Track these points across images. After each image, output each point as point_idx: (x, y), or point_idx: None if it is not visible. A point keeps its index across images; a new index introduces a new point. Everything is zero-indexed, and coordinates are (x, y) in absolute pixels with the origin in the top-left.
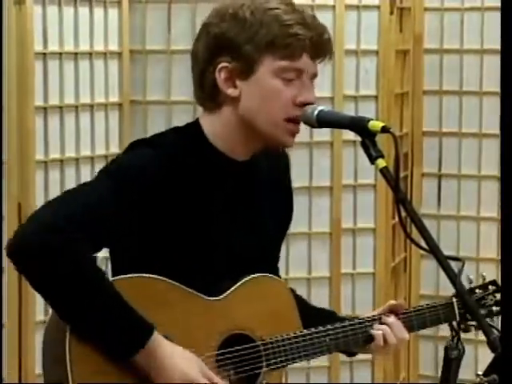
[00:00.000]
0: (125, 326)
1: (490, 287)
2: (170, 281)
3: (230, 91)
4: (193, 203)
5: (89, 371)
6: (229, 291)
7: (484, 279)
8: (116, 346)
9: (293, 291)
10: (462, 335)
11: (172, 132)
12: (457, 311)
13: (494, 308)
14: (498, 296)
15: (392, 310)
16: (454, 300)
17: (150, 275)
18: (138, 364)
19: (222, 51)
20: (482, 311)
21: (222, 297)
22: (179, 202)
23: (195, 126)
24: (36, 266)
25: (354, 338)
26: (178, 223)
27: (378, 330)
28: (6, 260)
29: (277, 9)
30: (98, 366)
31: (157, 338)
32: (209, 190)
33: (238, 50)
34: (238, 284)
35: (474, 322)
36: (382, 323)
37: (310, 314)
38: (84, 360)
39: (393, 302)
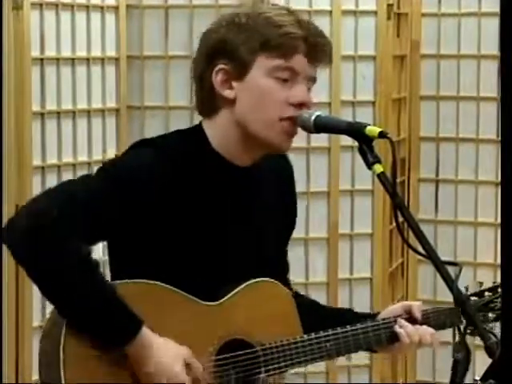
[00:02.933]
0: (115, 317)
1: (499, 290)
2: (168, 286)
3: (227, 93)
4: (192, 207)
5: (82, 376)
6: (227, 296)
7: (494, 282)
8: (108, 337)
9: (304, 296)
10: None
11: (175, 134)
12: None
13: None
14: None
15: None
16: None
17: (148, 281)
18: (129, 358)
19: (219, 54)
20: (491, 315)
21: (220, 302)
22: (178, 205)
23: (198, 130)
24: (25, 250)
25: (355, 343)
26: (176, 226)
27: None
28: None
29: (270, 12)
30: (92, 371)
31: (146, 331)
32: (208, 195)
33: (233, 52)
34: (237, 289)
35: None
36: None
37: (328, 317)
38: (77, 365)
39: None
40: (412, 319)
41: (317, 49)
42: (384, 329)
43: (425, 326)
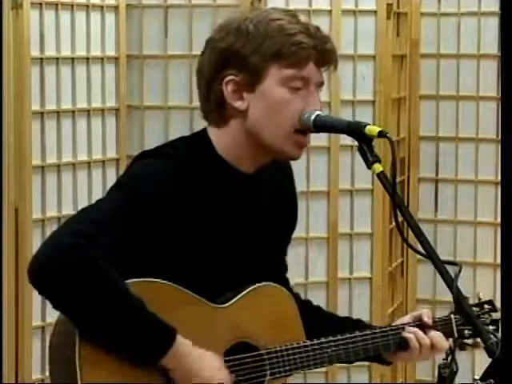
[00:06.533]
0: (151, 331)
1: (485, 306)
2: (177, 286)
3: (238, 104)
4: (201, 214)
5: (99, 375)
6: (234, 299)
7: (480, 298)
8: (144, 351)
9: (308, 302)
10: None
11: (181, 143)
12: (455, 328)
13: (490, 327)
14: (494, 315)
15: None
16: (453, 317)
17: (157, 280)
18: (163, 367)
19: (229, 64)
20: None
21: (227, 304)
22: (188, 213)
23: (204, 137)
24: (58, 287)
25: (355, 350)
26: (187, 233)
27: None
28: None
29: (280, 19)
30: (108, 370)
31: (180, 339)
32: (217, 202)
33: (244, 62)
34: (243, 292)
35: (469, 341)
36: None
37: (331, 324)
38: (94, 363)
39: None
40: (422, 327)
41: (326, 56)
42: (392, 335)
43: (438, 332)
